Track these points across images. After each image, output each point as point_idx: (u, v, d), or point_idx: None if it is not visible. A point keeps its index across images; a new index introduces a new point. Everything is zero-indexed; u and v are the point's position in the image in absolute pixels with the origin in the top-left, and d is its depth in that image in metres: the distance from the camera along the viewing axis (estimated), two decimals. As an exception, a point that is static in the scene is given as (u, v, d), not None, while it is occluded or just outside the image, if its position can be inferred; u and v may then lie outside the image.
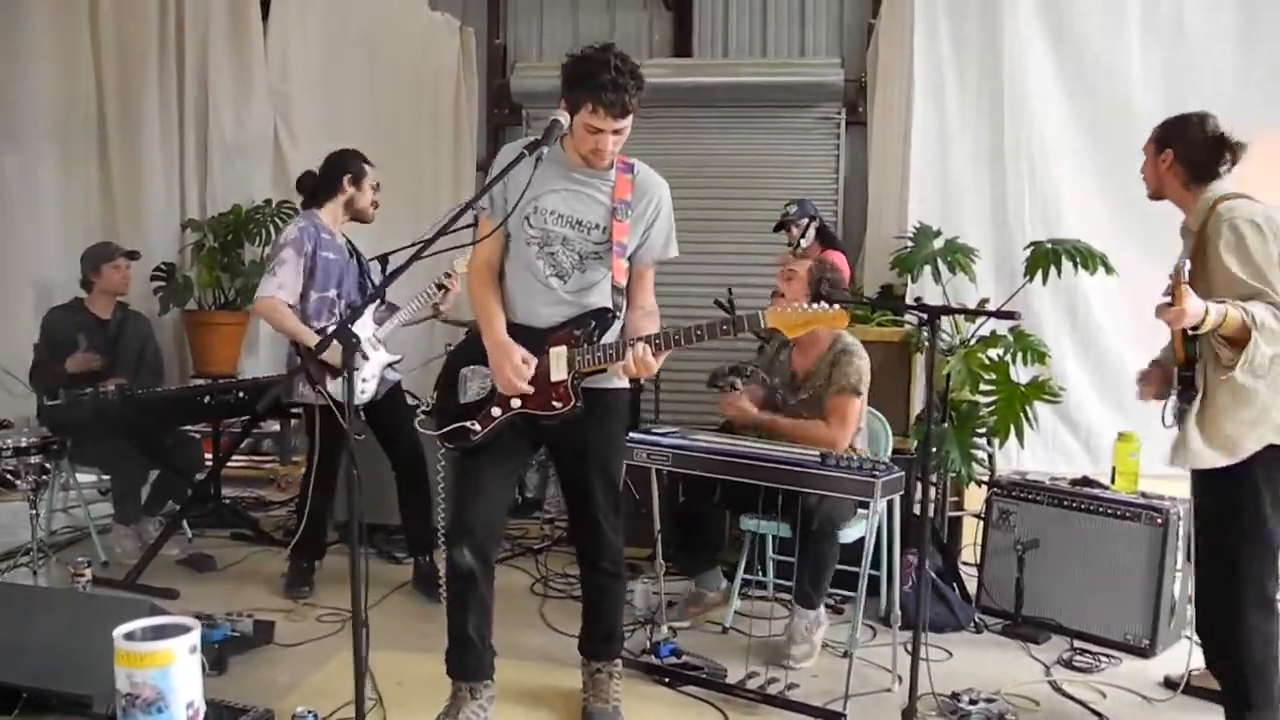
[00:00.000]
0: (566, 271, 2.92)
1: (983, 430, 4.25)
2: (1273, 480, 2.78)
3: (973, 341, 4.31)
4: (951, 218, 4.89)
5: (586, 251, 2.91)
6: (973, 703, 3.22)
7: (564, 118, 2.74)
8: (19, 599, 3.30)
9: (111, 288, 4.78)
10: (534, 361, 2.86)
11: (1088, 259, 4.09)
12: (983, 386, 4.18)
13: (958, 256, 4.33)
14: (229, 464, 5.55)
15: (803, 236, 4.92)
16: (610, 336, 2.93)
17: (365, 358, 4.01)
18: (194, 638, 2.48)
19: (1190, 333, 2.72)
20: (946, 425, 4.22)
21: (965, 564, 4.50)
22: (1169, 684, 3.47)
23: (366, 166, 4.20)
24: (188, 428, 4.92)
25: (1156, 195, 3.01)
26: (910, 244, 4.46)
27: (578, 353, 2.87)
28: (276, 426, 6.07)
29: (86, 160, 5.90)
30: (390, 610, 4.14)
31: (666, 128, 6.81)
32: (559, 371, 2.87)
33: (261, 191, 5.94)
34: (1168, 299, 2.61)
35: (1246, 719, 2.81)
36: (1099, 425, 4.79)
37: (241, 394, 4.64)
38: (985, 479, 4.29)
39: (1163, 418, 3.00)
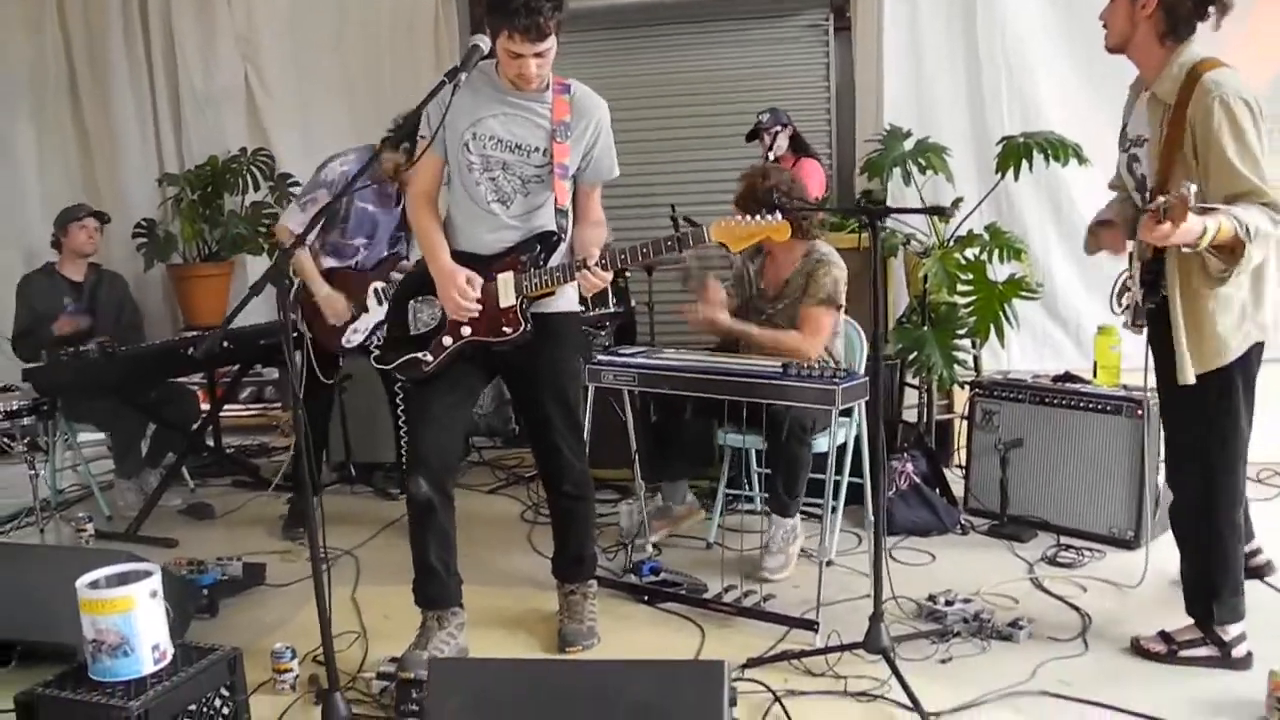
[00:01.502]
0: (509, 196, 2.89)
1: (964, 331, 4.19)
2: (1249, 375, 2.72)
3: (950, 242, 4.24)
4: (927, 118, 4.79)
5: (528, 175, 2.88)
6: (949, 604, 3.22)
7: (484, 42, 2.69)
8: (9, 556, 3.39)
9: (78, 248, 4.77)
10: (479, 281, 2.86)
11: (1059, 150, 3.98)
12: (960, 287, 4.11)
13: (929, 156, 4.23)
14: (233, 412, 5.63)
15: (771, 146, 4.83)
16: (557, 259, 2.91)
17: (365, 309, 4.04)
18: (154, 583, 2.51)
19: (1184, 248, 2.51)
20: (926, 328, 4.17)
21: (959, 467, 4.48)
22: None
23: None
24: (180, 379, 4.94)
25: (1119, 48, 2.71)
26: (880, 147, 4.36)
27: (524, 277, 2.86)
28: (276, 374, 6.11)
29: (61, 120, 5.90)
30: (383, 546, 4.20)
31: (649, 46, 6.69)
32: (507, 297, 2.87)
33: (237, 140, 5.91)
34: (1152, 209, 2.38)
35: (1214, 606, 2.80)
36: (1087, 320, 4.70)
37: (227, 343, 4.67)
38: (970, 380, 4.24)
39: (1111, 303, 2.91)
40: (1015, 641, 3.03)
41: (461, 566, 3.54)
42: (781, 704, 2.71)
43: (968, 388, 4.17)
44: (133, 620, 2.45)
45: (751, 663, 2.95)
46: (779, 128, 4.89)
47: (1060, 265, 4.75)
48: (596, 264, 2.78)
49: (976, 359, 4.47)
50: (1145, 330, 2.82)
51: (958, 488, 4.28)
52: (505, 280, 2.86)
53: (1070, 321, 4.78)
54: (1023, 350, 4.82)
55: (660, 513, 4.02)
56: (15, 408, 4.30)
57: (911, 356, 4.15)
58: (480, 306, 2.85)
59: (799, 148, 5.05)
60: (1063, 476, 3.87)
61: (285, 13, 5.98)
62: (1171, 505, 2.94)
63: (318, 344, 4.13)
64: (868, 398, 3.30)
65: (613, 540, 4.02)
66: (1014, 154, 4.05)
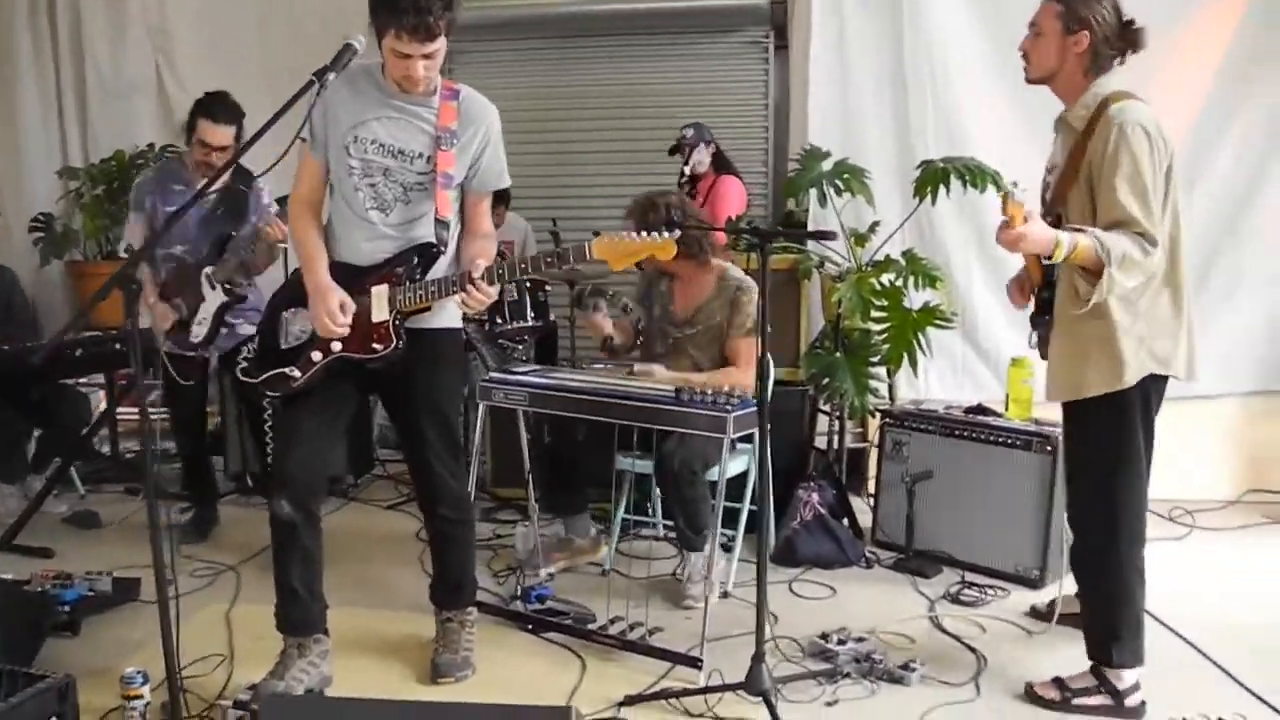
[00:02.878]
0: (389, 204, 2.76)
1: (877, 359, 4.10)
2: (1148, 408, 2.68)
3: (868, 267, 4.15)
4: (854, 140, 4.70)
5: (410, 183, 2.75)
6: (841, 642, 3.10)
7: (358, 41, 2.54)
8: None
9: None
10: (352, 307, 2.71)
11: (977, 176, 3.91)
12: (874, 314, 4.02)
13: (847, 179, 4.13)
14: (129, 417, 5.41)
15: (686, 163, 4.74)
16: (436, 272, 2.77)
17: (202, 298, 3.90)
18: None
19: (1044, 260, 2.58)
20: (839, 354, 4.08)
21: (871, 497, 4.38)
22: (1036, 614, 3.38)
23: (200, 119, 3.93)
24: (70, 380, 4.73)
25: (1042, 80, 2.70)
26: (799, 167, 4.27)
27: (399, 291, 2.72)
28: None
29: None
30: (269, 563, 4.00)
31: (588, 57, 6.58)
32: (380, 311, 2.72)
33: (146, 135, 5.70)
34: (1005, 219, 2.42)
35: (1113, 649, 2.73)
36: (1008, 350, 4.59)
37: (119, 345, 4.47)
38: (881, 409, 4.16)
39: (1029, 339, 2.91)
40: (905, 684, 2.92)
41: (346, 585, 3.40)
42: (652, 748, 2.59)
43: (879, 416, 4.08)
44: (-54, 646, 2.29)
45: (629, 700, 2.83)
46: (701, 144, 4.79)
47: (981, 294, 4.67)
48: (480, 278, 2.64)
49: (892, 387, 4.38)
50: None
51: (868, 519, 4.20)
52: (379, 294, 2.72)
53: (991, 352, 4.69)
54: (941, 380, 4.73)
55: (561, 545, 3.86)
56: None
57: (824, 383, 4.04)
58: (348, 325, 2.70)
59: (721, 165, 4.97)
60: (970, 511, 3.79)
61: (201, 2, 5.78)
62: (1072, 544, 2.86)
63: (172, 356, 4.03)
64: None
65: (508, 563, 3.88)
66: (932, 178, 3.98)
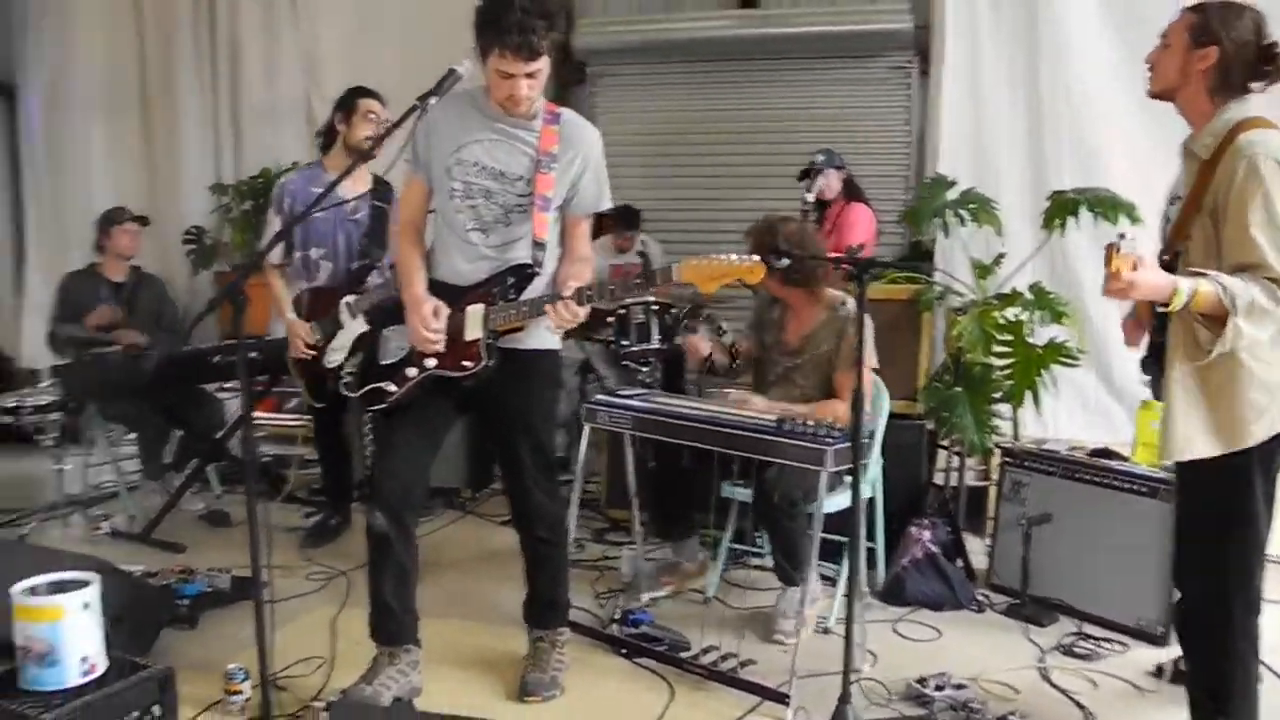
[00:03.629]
0: (489, 225, 2.81)
1: (999, 395, 3.94)
2: (1269, 470, 2.42)
3: (992, 300, 4.00)
4: (986, 169, 4.55)
5: (510, 204, 2.79)
6: (939, 688, 2.98)
7: (461, 67, 2.61)
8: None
9: (120, 250, 4.90)
10: (445, 313, 2.77)
11: (1109, 209, 3.72)
12: (997, 348, 3.87)
13: (974, 208, 4.00)
14: (274, 421, 5.68)
15: (809, 190, 4.67)
16: (532, 293, 2.80)
17: (340, 325, 3.99)
18: (89, 594, 2.50)
19: (1158, 307, 2.37)
20: (959, 389, 3.94)
21: (991, 538, 4.21)
22: (1160, 673, 3.16)
23: (361, 99, 4.08)
24: (209, 386, 4.99)
25: (1163, 95, 2.48)
26: (923, 195, 4.16)
27: (493, 310, 2.76)
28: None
29: (130, 126, 6.12)
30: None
31: (728, 81, 6.62)
32: (473, 330, 2.78)
33: (291, 154, 5.97)
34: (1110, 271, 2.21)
35: None
36: (1143, 391, 4.38)
37: (257, 353, 4.68)
38: (1002, 447, 3.99)
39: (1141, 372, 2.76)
40: (1003, 737, 2.80)
41: (452, 598, 3.43)
42: (728, 783, 2.54)
43: (999, 454, 3.92)
44: (61, 630, 2.44)
45: (711, 733, 2.78)
46: (831, 170, 4.72)
47: (1116, 331, 4.40)
48: (570, 299, 2.66)
49: (1016, 424, 4.20)
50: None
51: (985, 561, 4.03)
52: (474, 313, 2.77)
53: (1125, 391, 4.45)
54: (1071, 418, 4.52)
55: (668, 569, 3.85)
56: (44, 403, 4.39)
57: (942, 417, 3.91)
58: (444, 338, 2.76)
59: (851, 192, 4.88)
60: (1091, 559, 3.58)
61: (351, 32, 6.07)
62: (1177, 604, 2.66)
63: (304, 367, 4.13)
64: (866, 461, 3.11)
65: (611, 585, 3.89)
66: (1061, 209, 3.81)
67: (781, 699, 2.91)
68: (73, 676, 2.43)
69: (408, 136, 2.77)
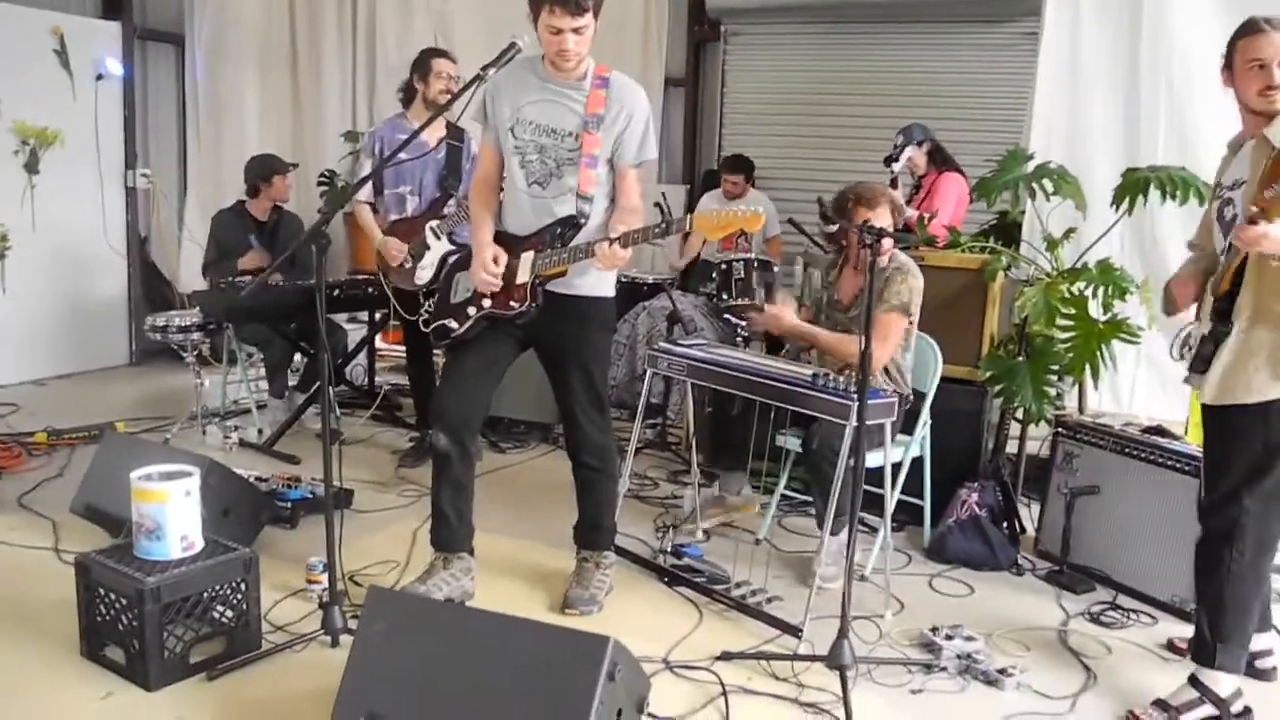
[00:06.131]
0: (545, 179, 3.10)
1: (1058, 367, 4.01)
2: None
3: (1059, 274, 4.05)
4: (1080, 144, 4.52)
5: (562, 159, 3.08)
6: (949, 638, 3.14)
7: (521, 40, 2.90)
8: (135, 449, 3.92)
9: (278, 196, 5.42)
10: (504, 259, 3.08)
11: (1178, 187, 3.71)
12: (1060, 321, 3.93)
13: (1054, 180, 4.03)
14: (396, 352, 6.15)
15: (892, 162, 4.76)
16: (579, 241, 3.07)
17: (427, 246, 4.43)
18: (190, 484, 2.91)
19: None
20: (1021, 359, 4.02)
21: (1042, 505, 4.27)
22: (1172, 648, 3.25)
23: (435, 60, 4.54)
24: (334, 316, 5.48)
25: None
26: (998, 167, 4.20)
27: (540, 256, 3.06)
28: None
29: (280, 79, 6.65)
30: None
31: (857, 43, 6.72)
32: (523, 274, 3.09)
33: (419, 107, 6.42)
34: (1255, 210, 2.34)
35: (1217, 651, 2.69)
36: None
37: (371, 289, 5.12)
38: (1057, 417, 4.05)
39: (1171, 349, 2.86)
40: (999, 688, 2.94)
41: (519, 518, 3.71)
42: (726, 698, 2.79)
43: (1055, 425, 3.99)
44: (166, 511, 2.85)
45: (724, 656, 3.03)
46: (911, 146, 4.81)
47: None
48: (614, 243, 2.91)
49: (1081, 396, 4.25)
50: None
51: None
52: (526, 258, 3.08)
53: (1203, 371, 4.40)
54: (1150, 394, 4.50)
55: (714, 501, 4.11)
56: (188, 323, 4.94)
57: (999, 387, 4.01)
58: (499, 282, 3.07)
59: (942, 160, 4.94)
60: (1134, 532, 3.64)
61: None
62: (1198, 539, 2.79)
63: (400, 291, 4.58)
64: (893, 418, 3.28)
65: (671, 521, 4.16)
66: (1131, 187, 3.81)
67: (795, 632, 3.14)
68: (174, 550, 2.85)
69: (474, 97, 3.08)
